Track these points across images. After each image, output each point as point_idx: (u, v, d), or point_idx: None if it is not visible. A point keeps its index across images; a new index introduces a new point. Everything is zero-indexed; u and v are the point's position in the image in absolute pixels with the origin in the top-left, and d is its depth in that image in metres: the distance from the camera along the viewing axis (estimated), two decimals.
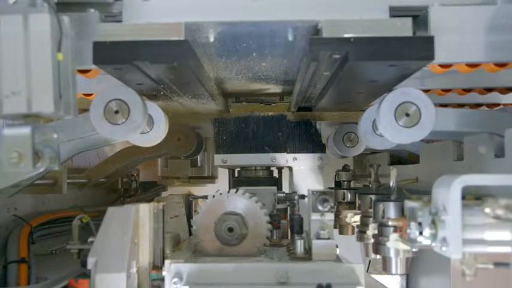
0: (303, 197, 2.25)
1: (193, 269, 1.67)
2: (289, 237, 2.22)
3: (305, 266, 1.68)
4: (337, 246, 1.80)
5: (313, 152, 2.54)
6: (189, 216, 2.55)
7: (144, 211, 1.85)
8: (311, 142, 2.56)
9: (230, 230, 1.85)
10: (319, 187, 2.39)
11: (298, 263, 1.72)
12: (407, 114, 1.41)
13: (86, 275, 1.69)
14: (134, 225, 1.79)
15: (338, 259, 1.74)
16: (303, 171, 2.55)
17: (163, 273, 1.70)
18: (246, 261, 1.73)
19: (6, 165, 1.22)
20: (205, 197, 1.94)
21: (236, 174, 2.68)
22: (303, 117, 2.48)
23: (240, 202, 1.88)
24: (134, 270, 1.78)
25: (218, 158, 2.48)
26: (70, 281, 1.72)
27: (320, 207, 1.77)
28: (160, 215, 1.99)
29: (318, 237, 1.75)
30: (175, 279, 1.65)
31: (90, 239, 1.86)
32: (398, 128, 1.41)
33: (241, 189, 1.90)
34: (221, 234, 1.85)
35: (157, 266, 1.87)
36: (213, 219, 1.85)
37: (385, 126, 1.42)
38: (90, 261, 1.68)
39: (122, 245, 1.73)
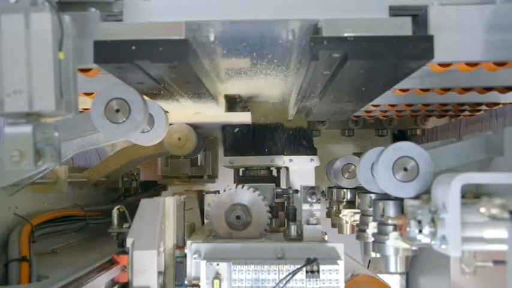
0: (296, 191, 2.54)
1: (209, 247, 2.10)
2: (285, 226, 2.54)
3: (297, 245, 2.10)
4: (325, 233, 2.24)
5: (306, 154, 2.88)
6: (201, 209, 3.17)
7: (170, 203, 2.34)
8: (304, 146, 2.90)
9: (238, 217, 2.25)
10: (311, 184, 2.69)
11: (292, 243, 2.13)
12: (405, 169, 1.40)
13: (125, 252, 2.15)
14: (162, 214, 2.28)
15: (324, 240, 2.14)
16: (298, 171, 2.89)
17: (186, 251, 2.14)
18: (250, 242, 2.15)
19: (8, 163, 1.22)
20: (217, 191, 2.33)
21: (241, 173, 3.04)
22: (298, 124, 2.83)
23: (246, 195, 2.28)
24: (162, 249, 2.26)
25: (226, 160, 2.83)
26: (113, 256, 2.15)
27: (309, 199, 2.20)
28: (182, 206, 2.48)
29: (308, 223, 2.17)
30: (195, 256, 2.09)
31: (125, 225, 2.34)
32: (398, 184, 1.40)
33: (246, 185, 2.31)
34: (230, 221, 2.25)
35: (180, 246, 2.36)
36: (223, 209, 2.26)
37: (385, 185, 1.41)
38: (129, 241, 2.16)
39: (152, 229, 2.21)
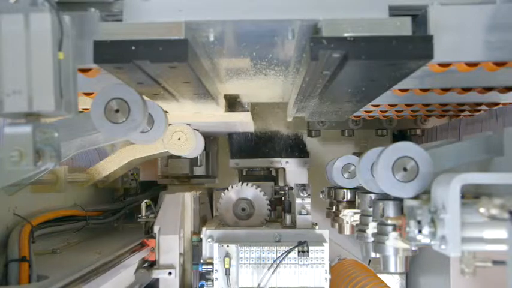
0: (291, 188, 3.07)
1: (220, 233, 2.69)
2: (282, 216, 3.01)
3: (291, 231, 2.69)
4: (316, 223, 2.78)
5: (300, 157, 3.49)
6: (211, 204, 3.74)
7: (188, 197, 3.01)
8: (298, 150, 3.49)
9: (243, 209, 2.84)
10: (305, 182, 3.27)
11: (287, 229, 2.72)
12: (404, 169, 1.40)
13: (153, 237, 2.80)
14: (182, 206, 2.94)
15: (313, 228, 2.71)
16: (293, 171, 3.49)
17: (201, 236, 2.71)
18: (253, 229, 2.74)
19: (7, 163, 1.21)
20: (226, 188, 2.89)
21: (244, 173, 3.60)
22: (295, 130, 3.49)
23: (249, 192, 2.86)
24: (182, 234, 2.92)
25: (232, 162, 3.48)
26: (143, 240, 2.78)
27: (301, 194, 2.72)
28: (197, 200, 3.16)
29: (300, 214, 2.72)
30: (209, 240, 2.67)
31: (151, 216, 2.95)
32: (398, 184, 1.40)
33: (250, 183, 2.88)
34: (237, 212, 2.84)
35: (196, 233, 2.98)
36: (231, 203, 2.85)
37: (385, 185, 1.41)
38: (156, 228, 2.82)
39: (175, 218, 2.86)
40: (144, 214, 2.97)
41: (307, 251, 2.52)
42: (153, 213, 2.98)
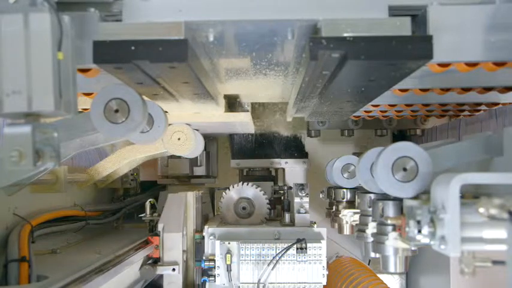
0: (290, 188, 3.15)
1: (222, 231, 2.79)
2: (281, 215, 3.14)
3: (290, 229, 2.78)
4: (315, 222, 2.88)
5: (298, 158, 3.61)
6: (212, 203, 3.85)
7: (190, 196, 3.09)
8: (297, 151, 3.62)
9: (243, 208, 2.97)
10: (303, 181, 3.35)
11: (286, 227, 2.81)
12: (404, 169, 1.40)
13: (157, 234, 2.89)
14: (184, 205, 3.01)
15: (311, 226, 2.80)
16: (292, 171, 3.63)
17: (203, 234, 2.83)
18: (254, 227, 2.84)
19: (7, 163, 1.21)
20: (227, 188, 3.01)
21: (245, 173, 3.74)
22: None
23: (250, 191, 2.98)
24: (185, 232, 2.99)
25: (234, 162, 3.61)
26: (148, 238, 2.88)
27: (300, 194, 2.83)
28: (200, 199, 3.23)
29: (299, 212, 2.83)
30: (211, 237, 2.77)
31: (155, 214, 3.05)
32: (397, 184, 1.40)
33: (250, 183, 2.99)
34: (238, 211, 2.97)
35: (199, 230, 3.08)
36: (232, 202, 2.97)
37: (384, 185, 1.41)
38: (160, 226, 2.90)
39: (178, 217, 2.95)
40: (148, 213, 3.08)
41: (306, 248, 2.62)
42: (156, 212, 3.08)
